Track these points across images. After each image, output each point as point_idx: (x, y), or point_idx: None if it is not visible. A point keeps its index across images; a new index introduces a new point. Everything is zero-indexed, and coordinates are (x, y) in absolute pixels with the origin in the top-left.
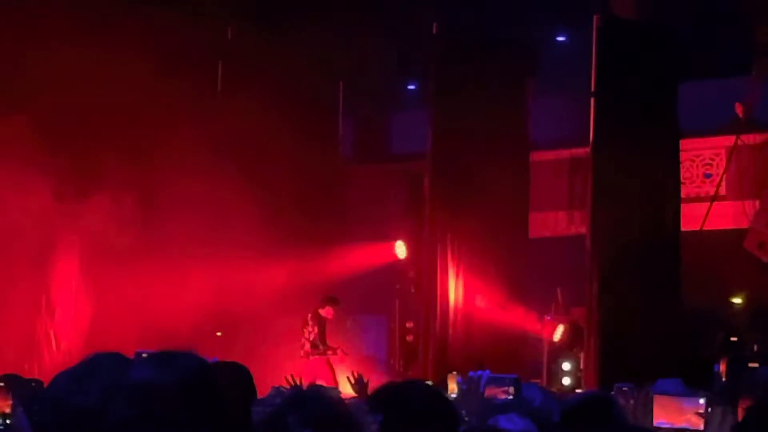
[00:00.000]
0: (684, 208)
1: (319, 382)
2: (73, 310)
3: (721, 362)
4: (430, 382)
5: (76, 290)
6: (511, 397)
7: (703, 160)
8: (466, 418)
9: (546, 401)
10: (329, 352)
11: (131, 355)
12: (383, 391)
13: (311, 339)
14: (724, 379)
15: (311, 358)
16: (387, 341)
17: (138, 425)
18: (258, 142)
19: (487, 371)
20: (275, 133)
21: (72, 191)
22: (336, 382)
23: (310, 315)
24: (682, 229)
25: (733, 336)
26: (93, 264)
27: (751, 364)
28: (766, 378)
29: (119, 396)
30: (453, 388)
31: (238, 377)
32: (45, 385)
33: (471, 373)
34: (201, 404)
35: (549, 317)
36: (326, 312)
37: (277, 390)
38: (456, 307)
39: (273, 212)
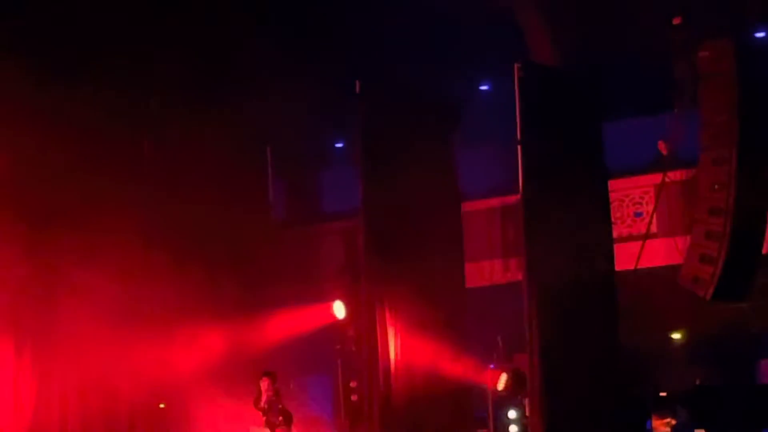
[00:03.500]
0: (617, 248)
1: None
2: (13, 398)
3: (653, 419)
4: None
5: (15, 373)
6: None
7: (633, 200)
8: None
9: None
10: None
11: None
12: None
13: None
14: None
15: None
16: (332, 401)
17: None
18: (189, 211)
19: None
20: (206, 202)
21: (4, 272)
22: None
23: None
24: (617, 269)
25: (662, 390)
26: (31, 344)
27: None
28: None
29: None
30: None
31: None
32: None
33: None
34: None
35: (492, 366)
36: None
37: None
38: (397, 363)
39: (209, 280)
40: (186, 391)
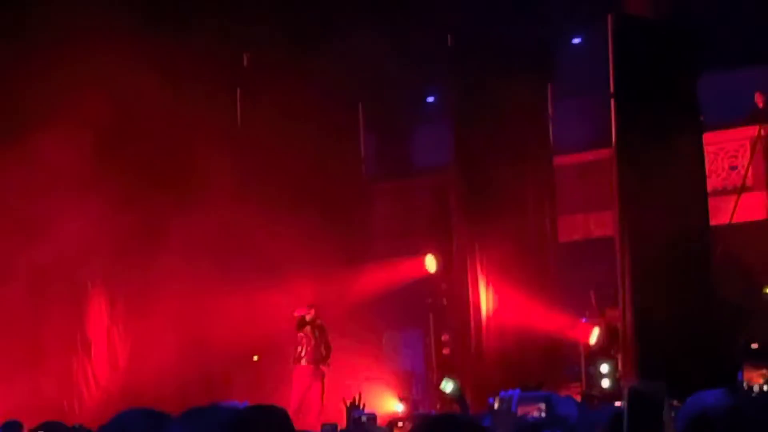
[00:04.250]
0: (711, 202)
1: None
2: (107, 347)
3: (747, 370)
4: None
5: (110, 326)
6: (543, 414)
7: (728, 153)
8: None
9: (583, 417)
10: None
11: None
12: (423, 429)
13: None
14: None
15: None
16: (424, 355)
17: None
18: (281, 166)
19: (518, 390)
20: (298, 156)
21: (102, 226)
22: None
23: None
24: (711, 223)
25: (755, 342)
26: (125, 298)
27: None
28: None
29: None
30: None
31: (273, 421)
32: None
33: (502, 393)
34: None
35: (584, 320)
36: None
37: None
38: (489, 316)
39: (301, 234)
40: (279, 345)
